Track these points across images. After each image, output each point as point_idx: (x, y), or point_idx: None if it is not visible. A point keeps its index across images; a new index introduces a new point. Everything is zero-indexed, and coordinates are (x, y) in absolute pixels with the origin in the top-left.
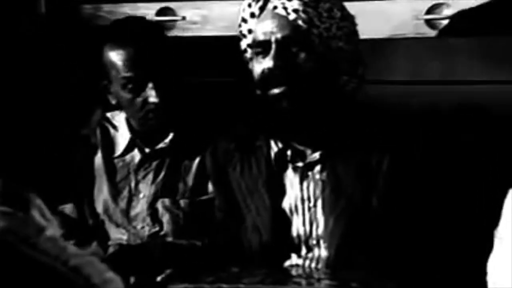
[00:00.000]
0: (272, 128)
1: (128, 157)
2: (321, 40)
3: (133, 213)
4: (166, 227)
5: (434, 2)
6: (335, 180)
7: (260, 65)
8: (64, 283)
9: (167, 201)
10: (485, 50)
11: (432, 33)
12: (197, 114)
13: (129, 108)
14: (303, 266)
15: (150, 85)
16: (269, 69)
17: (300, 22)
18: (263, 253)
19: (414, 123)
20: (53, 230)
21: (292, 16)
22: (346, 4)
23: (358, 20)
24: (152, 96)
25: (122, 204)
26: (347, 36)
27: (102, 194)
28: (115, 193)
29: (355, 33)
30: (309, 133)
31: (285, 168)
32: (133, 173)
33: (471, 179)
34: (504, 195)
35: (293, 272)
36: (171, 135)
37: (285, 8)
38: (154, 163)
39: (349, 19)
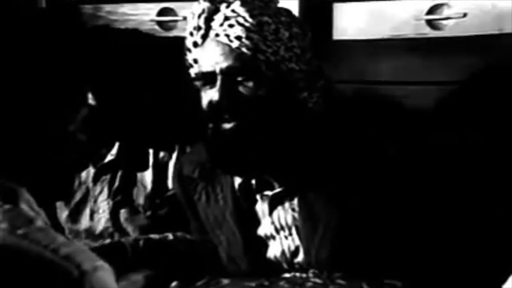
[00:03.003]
0: (228, 164)
1: (84, 173)
2: (269, 65)
3: (97, 230)
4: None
5: (435, 3)
6: (307, 208)
7: (207, 96)
8: (56, 271)
9: (125, 212)
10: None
11: (433, 33)
12: (143, 120)
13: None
14: (290, 278)
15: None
16: (216, 101)
17: (244, 49)
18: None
19: (392, 130)
20: (41, 221)
21: (235, 43)
22: (348, 4)
23: (358, 20)
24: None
25: (85, 222)
26: (298, 55)
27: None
28: (75, 212)
29: (308, 49)
30: (270, 163)
31: (253, 198)
32: (91, 190)
33: (450, 186)
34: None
35: (283, 284)
36: (116, 146)
37: (227, 36)
38: (108, 176)
39: (300, 36)
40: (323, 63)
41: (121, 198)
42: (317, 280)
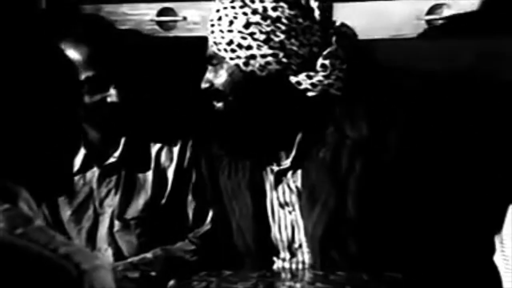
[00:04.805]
0: (235, 147)
1: (89, 174)
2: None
3: (98, 234)
4: (124, 249)
5: (435, 3)
6: (308, 186)
7: (206, 78)
8: (54, 270)
9: (118, 225)
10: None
11: (433, 33)
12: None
13: (87, 112)
14: (291, 269)
15: (112, 85)
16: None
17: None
18: (248, 256)
19: (389, 120)
20: (40, 221)
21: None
22: (348, 4)
23: (359, 20)
24: (112, 96)
25: (87, 225)
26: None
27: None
28: (78, 213)
29: (273, 32)
30: (270, 140)
31: (264, 170)
32: (96, 191)
33: (448, 174)
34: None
35: (284, 276)
36: (120, 148)
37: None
38: (114, 178)
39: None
40: None
41: (123, 202)
42: (318, 272)
